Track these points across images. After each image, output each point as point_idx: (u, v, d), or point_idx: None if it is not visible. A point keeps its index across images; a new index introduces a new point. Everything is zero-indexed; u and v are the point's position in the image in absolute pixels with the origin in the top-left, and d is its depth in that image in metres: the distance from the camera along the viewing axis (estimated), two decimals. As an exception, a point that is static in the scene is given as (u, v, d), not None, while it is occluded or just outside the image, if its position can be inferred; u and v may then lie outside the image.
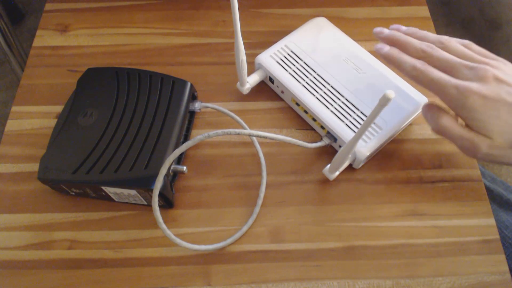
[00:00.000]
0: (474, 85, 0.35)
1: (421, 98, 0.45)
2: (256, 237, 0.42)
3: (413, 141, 0.47)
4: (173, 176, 0.43)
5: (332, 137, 0.44)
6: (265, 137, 0.38)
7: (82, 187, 0.41)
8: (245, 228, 0.41)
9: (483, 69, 0.36)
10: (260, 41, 0.53)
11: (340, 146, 0.45)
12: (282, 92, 0.48)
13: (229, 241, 0.41)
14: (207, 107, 0.47)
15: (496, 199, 0.54)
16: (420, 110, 0.45)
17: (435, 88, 0.37)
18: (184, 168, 0.41)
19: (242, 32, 0.54)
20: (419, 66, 0.38)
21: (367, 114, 0.44)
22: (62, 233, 0.42)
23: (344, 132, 0.43)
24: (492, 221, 0.42)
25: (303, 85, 0.46)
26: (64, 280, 0.40)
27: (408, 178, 0.45)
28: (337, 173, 0.43)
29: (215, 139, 0.47)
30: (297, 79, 0.47)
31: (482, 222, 0.42)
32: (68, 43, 0.54)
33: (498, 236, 0.41)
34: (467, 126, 0.38)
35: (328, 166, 0.43)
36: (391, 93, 0.29)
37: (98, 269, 0.40)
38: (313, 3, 0.57)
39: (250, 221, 0.42)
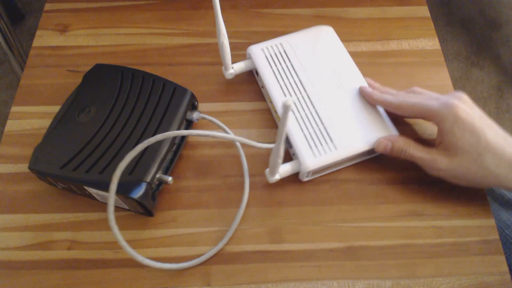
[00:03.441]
0: (455, 100, 0.39)
1: (391, 132, 0.44)
2: (256, 237, 0.42)
3: (413, 141, 0.47)
4: (158, 185, 0.42)
5: (289, 143, 0.44)
6: (213, 136, 0.35)
7: (67, 183, 0.41)
8: (225, 240, 0.41)
9: (460, 94, 0.40)
10: (259, 41, 0.53)
11: (293, 154, 0.44)
12: (262, 87, 0.48)
13: (202, 258, 0.40)
14: (204, 118, 0.46)
15: (497, 198, 0.54)
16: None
17: (418, 109, 0.41)
18: (170, 178, 0.41)
19: (241, 32, 0.54)
20: (401, 95, 0.43)
21: (330, 132, 0.43)
22: (62, 233, 0.42)
23: (300, 141, 0.43)
24: (492, 222, 0.42)
25: (280, 85, 0.46)
26: (64, 280, 0.40)
27: (408, 178, 0.45)
28: (278, 177, 0.42)
29: (215, 140, 0.47)
30: (277, 78, 0.47)
31: (482, 222, 0.42)
32: (68, 43, 0.54)
33: (498, 237, 0.41)
34: (438, 143, 0.41)
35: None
36: (288, 101, 0.28)
37: (98, 269, 0.40)
38: (313, 3, 0.57)
39: (231, 232, 0.42)
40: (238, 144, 0.45)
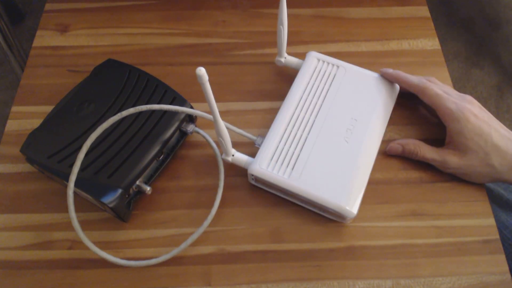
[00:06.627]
0: (466, 104, 0.43)
1: (347, 207, 0.39)
2: (256, 237, 0.42)
3: (413, 141, 0.47)
4: (136, 193, 0.41)
5: (262, 142, 0.43)
6: (169, 110, 0.37)
7: (51, 174, 0.41)
8: (195, 236, 0.40)
9: (470, 97, 0.44)
10: (260, 41, 0.53)
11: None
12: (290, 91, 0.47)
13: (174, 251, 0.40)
14: (198, 132, 0.45)
15: (496, 200, 0.54)
16: (333, 209, 0.40)
17: (437, 101, 0.43)
18: (148, 188, 0.40)
19: (241, 32, 0.54)
20: (425, 81, 0.45)
21: (298, 162, 0.41)
22: (62, 233, 0.42)
23: (268, 147, 0.42)
24: (492, 221, 0.42)
25: (299, 97, 0.45)
26: (64, 280, 0.40)
27: (408, 178, 0.45)
28: (230, 159, 0.42)
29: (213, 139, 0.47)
30: (303, 90, 0.46)
31: (482, 222, 0.42)
32: (68, 43, 0.54)
33: (498, 236, 0.41)
34: (448, 143, 0.44)
35: None
36: (200, 70, 0.30)
37: (98, 269, 0.40)
38: (313, 3, 0.57)
39: (195, 235, 0.41)
40: (213, 144, 0.44)
